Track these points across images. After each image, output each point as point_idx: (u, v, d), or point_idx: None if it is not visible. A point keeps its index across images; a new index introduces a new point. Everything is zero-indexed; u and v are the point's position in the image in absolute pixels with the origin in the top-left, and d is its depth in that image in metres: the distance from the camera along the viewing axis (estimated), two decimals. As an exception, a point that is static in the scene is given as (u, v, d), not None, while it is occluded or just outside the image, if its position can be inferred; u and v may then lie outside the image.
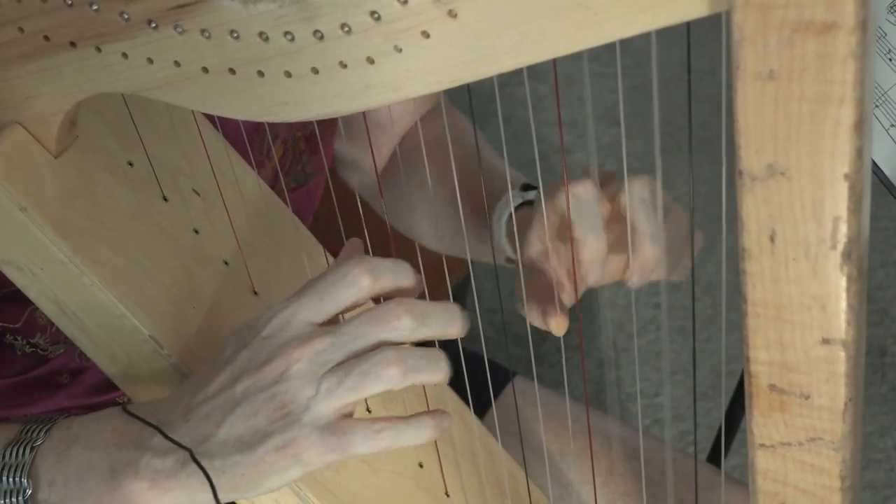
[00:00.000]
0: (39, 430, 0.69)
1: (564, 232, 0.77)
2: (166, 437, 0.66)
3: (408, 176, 1.04)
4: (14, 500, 0.67)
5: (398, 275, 0.66)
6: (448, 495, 0.86)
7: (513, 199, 0.88)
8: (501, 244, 0.89)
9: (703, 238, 0.79)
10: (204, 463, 0.64)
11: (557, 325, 0.77)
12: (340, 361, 0.63)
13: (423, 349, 0.64)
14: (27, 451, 0.68)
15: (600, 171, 0.80)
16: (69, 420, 0.70)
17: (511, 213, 0.88)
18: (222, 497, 0.65)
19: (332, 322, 0.66)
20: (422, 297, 0.68)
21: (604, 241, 0.75)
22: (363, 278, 0.65)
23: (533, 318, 0.79)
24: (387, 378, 0.62)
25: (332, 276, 0.65)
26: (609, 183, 0.79)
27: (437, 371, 0.64)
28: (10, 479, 0.67)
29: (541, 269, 0.79)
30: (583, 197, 0.76)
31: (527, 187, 0.91)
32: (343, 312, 0.66)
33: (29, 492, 0.67)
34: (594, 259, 0.75)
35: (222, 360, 0.66)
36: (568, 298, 0.77)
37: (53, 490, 0.67)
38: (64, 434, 0.69)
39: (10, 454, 0.68)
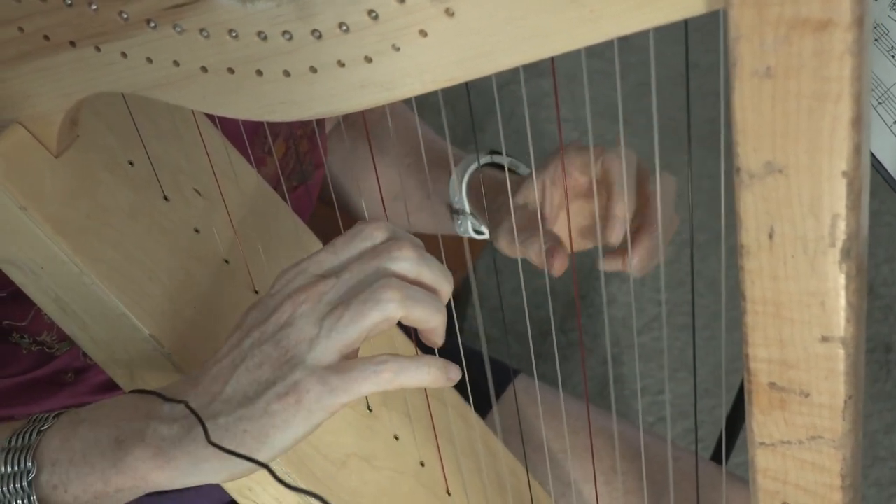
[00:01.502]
0: (48, 417, 0.69)
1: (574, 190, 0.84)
2: (167, 399, 0.65)
3: (353, 145, 1.07)
4: (18, 484, 0.67)
5: (411, 238, 0.66)
6: (449, 493, 0.86)
7: (481, 158, 0.95)
8: (459, 197, 0.95)
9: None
10: (209, 424, 0.62)
11: (561, 265, 0.80)
12: (344, 300, 0.62)
13: (424, 290, 0.63)
14: (34, 434, 0.68)
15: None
16: (79, 408, 0.70)
17: (478, 166, 0.95)
18: (228, 464, 0.63)
19: None
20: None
21: (633, 206, 0.81)
22: (379, 232, 0.65)
23: (531, 253, 0.82)
24: (385, 302, 0.61)
25: (348, 233, 0.65)
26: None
27: (435, 311, 0.63)
28: (14, 464, 0.67)
29: (533, 213, 0.84)
30: (619, 162, 0.82)
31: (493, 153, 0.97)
32: None
33: (32, 474, 0.66)
34: (622, 218, 0.80)
35: (235, 327, 0.66)
36: (564, 254, 0.81)
37: (56, 470, 0.66)
38: (73, 417, 0.68)
39: (17, 439, 0.68)
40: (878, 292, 2.08)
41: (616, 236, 0.81)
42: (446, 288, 0.65)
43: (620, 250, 0.82)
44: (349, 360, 0.62)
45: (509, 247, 0.84)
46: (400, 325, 0.69)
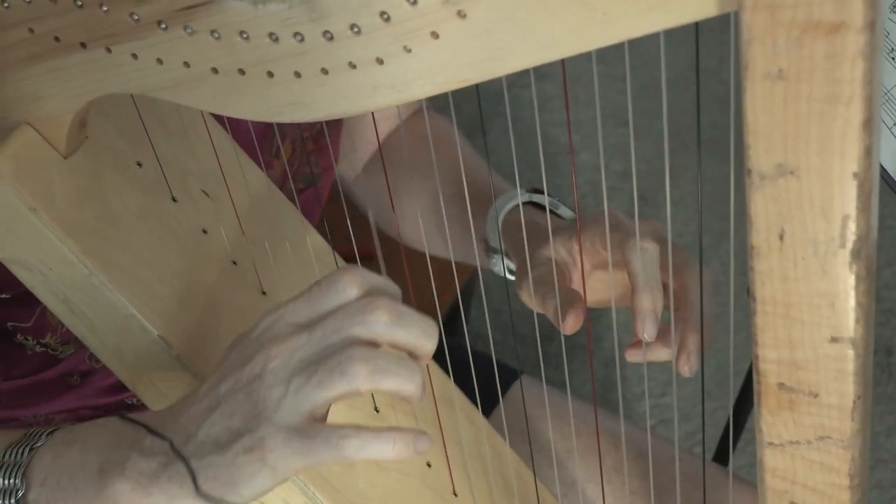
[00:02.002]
0: (41, 434, 0.69)
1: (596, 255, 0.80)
2: (151, 431, 0.65)
3: (394, 174, 1.05)
4: (6, 501, 0.67)
5: (387, 289, 0.65)
6: (456, 495, 0.86)
7: (518, 197, 0.90)
8: (492, 234, 0.91)
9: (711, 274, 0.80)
10: (182, 467, 0.63)
11: (574, 324, 0.77)
12: (315, 360, 0.62)
13: (398, 356, 0.62)
14: (26, 451, 0.68)
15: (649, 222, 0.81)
16: (72, 425, 0.70)
17: (517, 208, 0.90)
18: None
19: None
20: (429, 299, 0.68)
21: (661, 300, 0.76)
22: (352, 288, 0.63)
23: (546, 308, 0.79)
24: (352, 375, 0.60)
25: (323, 283, 0.64)
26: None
27: (408, 380, 0.61)
28: (5, 479, 0.67)
29: (557, 270, 0.80)
30: (651, 252, 0.77)
31: (534, 191, 0.93)
32: None
33: (21, 492, 0.67)
34: (651, 309, 0.76)
35: (217, 364, 0.66)
36: (579, 311, 0.78)
37: (44, 490, 0.67)
38: (64, 436, 0.69)
39: (10, 454, 0.68)
40: (880, 295, 2.08)
41: (648, 332, 0.77)
42: (427, 346, 0.63)
43: (655, 341, 0.78)
44: (315, 424, 0.62)
45: (529, 299, 0.81)
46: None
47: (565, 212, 0.91)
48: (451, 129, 1.06)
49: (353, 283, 0.64)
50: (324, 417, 0.63)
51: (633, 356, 0.79)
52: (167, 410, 0.68)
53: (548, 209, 0.90)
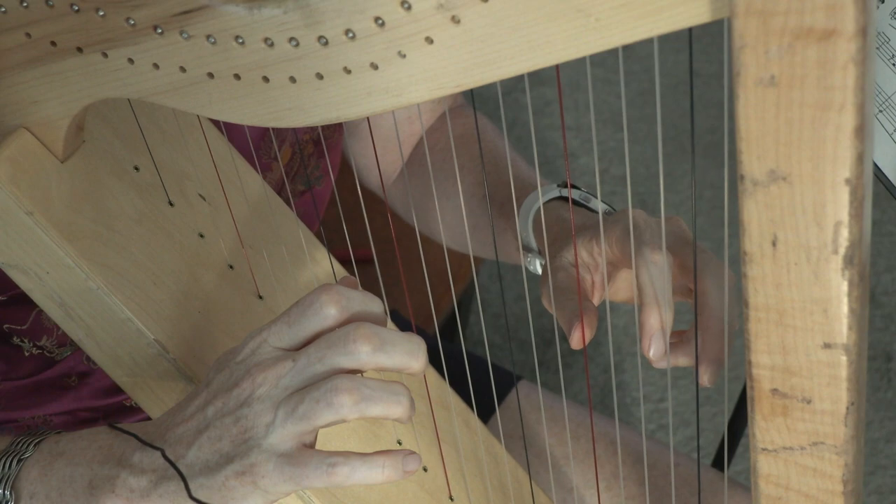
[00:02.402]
0: (29, 443, 0.70)
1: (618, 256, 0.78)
2: (142, 441, 0.66)
3: (426, 177, 1.04)
4: None
5: (367, 306, 0.65)
6: (452, 499, 0.86)
7: (546, 192, 0.88)
8: (526, 234, 0.89)
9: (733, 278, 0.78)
10: (172, 485, 0.64)
11: (581, 339, 0.76)
12: (300, 387, 0.63)
13: (382, 381, 0.63)
14: (14, 463, 0.69)
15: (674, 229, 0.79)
16: (59, 435, 0.71)
17: (540, 207, 0.88)
18: None
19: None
20: (426, 303, 0.67)
21: (671, 316, 0.73)
22: (330, 308, 0.64)
23: (561, 318, 0.77)
24: (337, 406, 0.61)
25: (302, 303, 0.65)
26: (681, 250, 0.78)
27: (395, 405, 0.62)
28: None
29: (571, 273, 0.79)
30: (660, 265, 0.73)
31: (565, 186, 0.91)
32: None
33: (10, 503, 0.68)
34: (658, 328, 0.73)
35: (204, 382, 0.67)
36: (593, 318, 0.76)
37: (33, 503, 0.68)
38: (52, 448, 0.69)
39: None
40: (878, 301, 2.08)
41: (654, 351, 0.73)
42: (413, 366, 0.64)
43: (673, 345, 0.75)
44: (305, 450, 0.63)
45: (548, 305, 0.80)
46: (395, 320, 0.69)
47: (596, 205, 0.89)
48: (489, 126, 1.05)
49: (329, 302, 0.64)
50: (313, 443, 0.64)
51: (654, 362, 0.75)
52: (157, 423, 0.68)
53: (568, 204, 0.89)
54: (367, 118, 0.70)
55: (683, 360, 0.76)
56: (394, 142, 1.05)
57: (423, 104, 0.97)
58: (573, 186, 0.88)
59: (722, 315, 0.73)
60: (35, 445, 0.70)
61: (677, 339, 0.76)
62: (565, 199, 0.89)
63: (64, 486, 0.67)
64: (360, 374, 0.63)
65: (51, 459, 0.68)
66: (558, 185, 0.90)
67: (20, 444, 0.70)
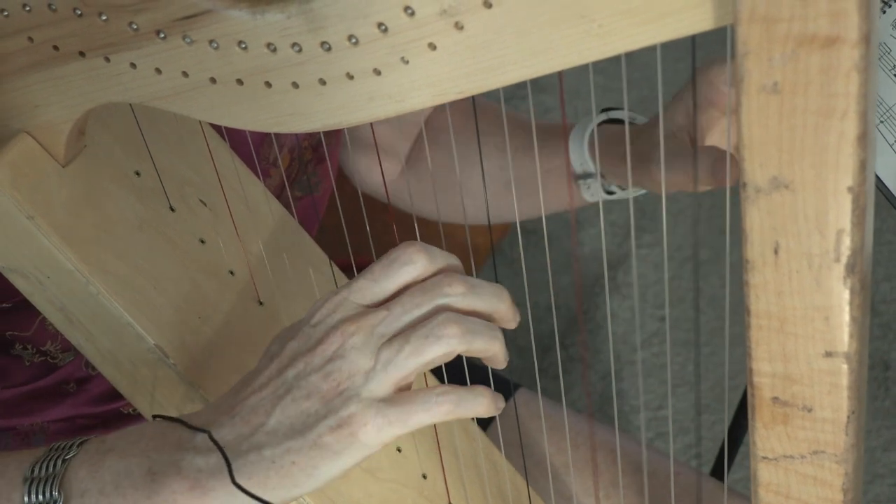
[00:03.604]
0: (71, 445, 0.67)
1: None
2: (191, 427, 0.64)
3: (443, 156, 1.04)
4: None
5: (449, 260, 0.66)
6: (451, 506, 0.86)
7: (597, 116, 0.92)
8: (583, 159, 0.93)
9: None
10: (252, 455, 0.62)
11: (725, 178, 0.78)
12: (396, 334, 0.63)
13: (480, 320, 0.64)
14: (58, 463, 0.66)
15: None
16: (104, 436, 0.68)
17: (594, 130, 0.93)
18: (272, 497, 0.63)
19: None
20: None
21: None
22: (420, 256, 0.64)
23: (702, 166, 0.80)
24: (447, 338, 0.61)
25: (386, 258, 0.65)
26: None
27: (494, 340, 0.63)
28: (40, 493, 0.65)
29: (682, 138, 0.83)
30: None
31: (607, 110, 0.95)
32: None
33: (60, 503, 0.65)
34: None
35: (267, 357, 0.65)
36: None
37: (85, 501, 0.65)
38: (98, 447, 0.67)
39: (40, 468, 0.66)
40: (877, 309, 2.08)
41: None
42: (503, 308, 0.65)
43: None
44: (407, 391, 0.63)
45: (674, 177, 0.83)
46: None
47: (642, 120, 0.93)
48: (488, 102, 1.07)
49: (419, 252, 0.65)
50: (410, 387, 0.64)
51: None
52: (212, 408, 0.66)
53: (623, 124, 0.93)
54: None
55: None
56: (393, 138, 1.06)
57: None
58: (616, 108, 0.94)
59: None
60: (79, 446, 0.67)
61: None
62: (609, 123, 0.94)
63: (120, 479, 0.65)
64: None
65: (99, 457, 0.66)
66: (603, 110, 0.94)
67: (61, 448, 0.67)
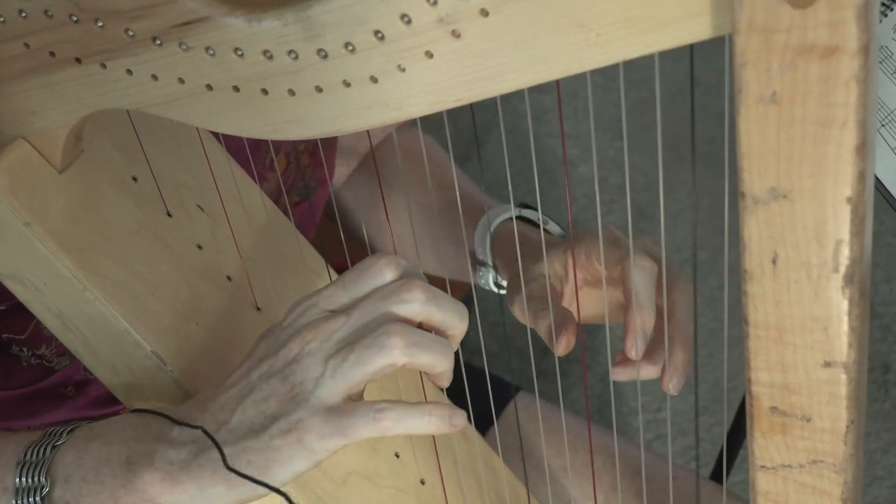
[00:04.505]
0: (62, 432, 0.70)
1: (590, 270, 0.80)
2: (177, 422, 0.66)
3: (373, 190, 1.05)
4: (32, 498, 0.67)
5: (420, 271, 0.66)
6: (449, 511, 0.86)
7: (505, 211, 0.91)
8: (483, 249, 0.92)
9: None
10: (213, 454, 0.64)
11: (567, 346, 0.77)
12: (352, 339, 0.63)
13: (430, 334, 0.63)
14: (48, 449, 0.69)
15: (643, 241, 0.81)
16: (92, 422, 0.71)
17: (513, 219, 0.90)
18: (237, 493, 0.64)
19: None
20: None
21: (654, 320, 0.76)
22: (388, 270, 0.65)
23: (539, 327, 0.79)
24: (389, 347, 0.61)
25: (357, 268, 0.66)
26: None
27: (442, 356, 0.63)
28: (29, 478, 0.68)
29: (544, 284, 0.80)
30: (648, 271, 0.77)
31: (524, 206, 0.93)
32: None
33: (46, 489, 0.67)
34: (642, 332, 0.76)
35: (246, 356, 0.67)
36: (571, 334, 0.78)
37: (69, 486, 0.67)
38: (86, 433, 0.69)
39: (32, 453, 0.69)
40: (876, 312, 2.08)
41: (637, 351, 0.76)
42: (460, 326, 0.65)
43: (642, 359, 0.77)
44: (352, 402, 0.63)
45: (521, 314, 0.82)
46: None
47: (554, 228, 0.92)
48: (436, 146, 1.07)
49: (388, 265, 0.65)
50: (360, 397, 0.64)
51: (618, 374, 0.78)
52: (191, 403, 0.68)
53: (539, 224, 0.91)
54: None
55: (649, 372, 0.78)
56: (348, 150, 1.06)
57: None
58: (531, 207, 0.92)
59: (689, 326, 0.76)
60: (69, 433, 0.70)
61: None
62: (521, 220, 0.91)
63: (100, 465, 0.67)
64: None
65: (85, 443, 0.68)
66: (518, 206, 0.92)
67: (53, 434, 0.70)
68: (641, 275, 0.76)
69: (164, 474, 0.65)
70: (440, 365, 0.63)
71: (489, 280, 0.93)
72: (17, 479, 0.68)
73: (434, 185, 0.99)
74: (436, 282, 0.88)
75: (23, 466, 0.68)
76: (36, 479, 0.68)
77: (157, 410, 0.68)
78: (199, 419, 0.66)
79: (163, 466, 0.65)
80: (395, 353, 0.62)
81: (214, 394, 0.66)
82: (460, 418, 0.64)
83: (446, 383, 0.65)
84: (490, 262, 0.92)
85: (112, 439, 0.68)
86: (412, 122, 1.09)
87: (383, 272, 0.65)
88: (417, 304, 0.63)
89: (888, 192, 1.09)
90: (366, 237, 0.86)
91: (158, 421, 0.67)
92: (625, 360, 0.78)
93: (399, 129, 1.09)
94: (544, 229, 0.91)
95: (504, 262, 0.91)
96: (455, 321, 0.65)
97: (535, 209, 0.91)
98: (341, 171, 1.10)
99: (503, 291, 0.94)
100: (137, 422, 0.69)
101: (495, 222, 0.92)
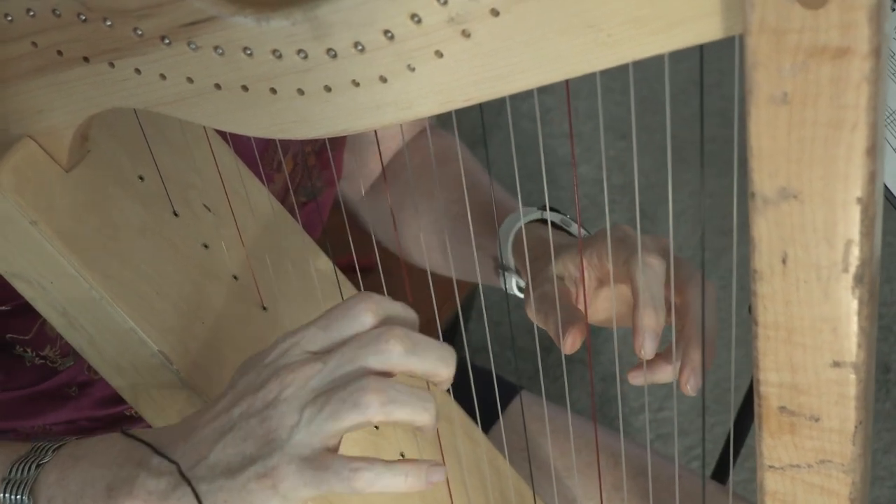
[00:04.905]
0: (48, 449, 0.69)
1: (603, 272, 0.79)
2: (158, 452, 0.65)
3: (399, 194, 1.04)
4: None
5: (402, 315, 0.65)
6: (454, 511, 0.86)
7: (528, 213, 0.89)
8: (506, 253, 0.90)
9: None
10: (189, 489, 0.63)
11: (573, 344, 0.76)
12: (328, 389, 0.62)
13: (410, 386, 0.62)
14: (33, 468, 0.68)
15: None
16: (79, 441, 0.70)
17: (521, 227, 0.89)
18: None
19: None
20: (429, 310, 0.67)
21: (663, 318, 0.74)
22: (366, 315, 0.63)
23: (548, 326, 0.78)
24: (364, 406, 0.60)
25: (339, 308, 0.64)
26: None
27: (421, 411, 0.61)
28: (12, 496, 0.67)
29: (562, 287, 0.79)
30: (656, 269, 0.75)
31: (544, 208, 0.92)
32: None
33: None
34: (651, 330, 0.74)
35: (229, 385, 0.66)
36: (578, 331, 0.77)
37: None
38: (71, 451, 0.69)
39: (17, 471, 0.68)
40: (878, 312, 2.08)
41: (646, 350, 0.74)
42: (443, 373, 0.63)
43: (653, 360, 0.76)
44: (327, 455, 0.62)
45: (534, 315, 0.81)
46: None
47: (575, 230, 0.91)
48: (456, 147, 1.06)
49: (367, 310, 0.64)
50: (336, 447, 0.63)
51: (635, 378, 0.77)
52: (174, 429, 0.67)
53: (548, 226, 0.90)
54: None
55: (661, 376, 0.77)
56: (374, 153, 1.05)
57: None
58: (555, 210, 0.90)
59: (702, 325, 0.74)
60: (54, 451, 0.69)
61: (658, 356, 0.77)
62: (544, 222, 0.90)
63: (83, 487, 0.66)
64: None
65: (70, 463, 0.68)
66: (539, 208, 0.90)
67: (39, 451, 0.69)
68: (647, 272, 0.75)
69: (142, 503, 0.64)
70: (419, 418, 0.62)
71: (513, 284, 0.92)
72: (2, 495, 0.67)
73: (456, 189, 0.97)
74: (444, 281, 0.88)
75: (7, 483, 0.68)
76: (18, 497, 0.67)
77: (140, 437, 0.67)
78: (179, 449, 0.65)
79: (141, 495, 0.64)
80: (370, 412, 0.60)
81: (197, 424, 0.65)
82: (438, 474, 0.63)
83: (429, 433, 0.63)
84: (512, 267, 0.91)
85: (96, 461, 0.67)
86: (438, 125, 1.09)
87: (361, 318, 0.63)
88: (395, 356, 0.62)
89: (890, 192, 1.09)
90: (374, 239, 0.85)
91: (140, 447, 0.67)
92: (640, 363, 0.77)
93: (420, 133, 1.08)
94: (565, 231, 0.89)
95: (523, 265, 0.89)
96: (439, 369, 0.63)
97: (559, 212, 0.90)
98: (353, 189, 1.10)
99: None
100: (122, 446, 0.68)
101: (514, 228, 0.90)
